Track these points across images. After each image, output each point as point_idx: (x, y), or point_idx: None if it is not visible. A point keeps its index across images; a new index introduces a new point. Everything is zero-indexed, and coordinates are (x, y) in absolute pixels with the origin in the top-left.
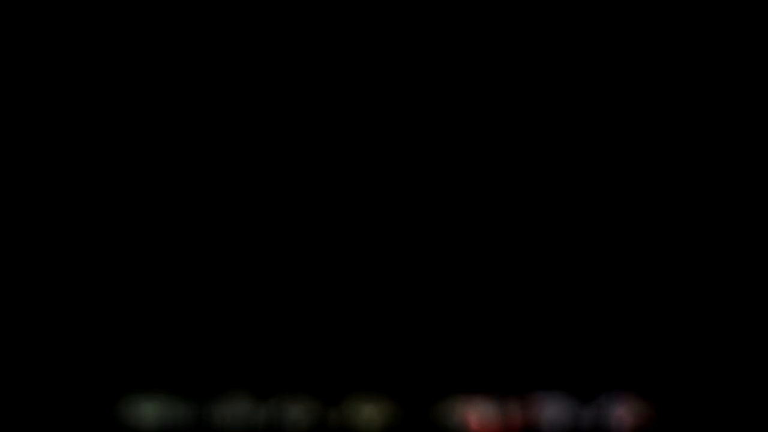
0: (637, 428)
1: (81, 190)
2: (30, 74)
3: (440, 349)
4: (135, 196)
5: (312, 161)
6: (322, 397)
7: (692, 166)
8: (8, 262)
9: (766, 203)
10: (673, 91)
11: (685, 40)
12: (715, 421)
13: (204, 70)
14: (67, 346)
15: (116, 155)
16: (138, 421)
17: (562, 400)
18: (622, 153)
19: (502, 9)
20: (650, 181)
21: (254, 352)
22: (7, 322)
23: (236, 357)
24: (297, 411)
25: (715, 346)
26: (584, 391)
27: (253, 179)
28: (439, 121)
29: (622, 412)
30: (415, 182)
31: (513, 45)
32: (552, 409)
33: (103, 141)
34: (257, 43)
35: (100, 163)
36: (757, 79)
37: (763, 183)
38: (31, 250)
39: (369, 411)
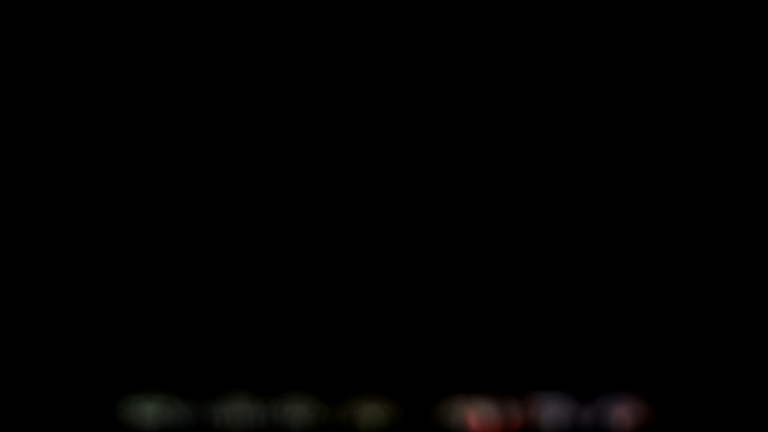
0: (637, 428)
1: (81, 189)
2: (30, 74)
3: (440, 349)
4: (135, 196)
5: (312, 161)
6: (322, 397)
7: (692, 166)
8: (8, 262)
9: (766, 203)
10: (673, 91)
11: (685, 40)
12: (715, 421)
13: (204, 70)
14: (67, 346)
15: (116, 155)
16: (138, 421)
17: (562, 400)
18: (622, 153)
19: (502, 9)
20: (650, 181)
21: (254, 352)
22: (7, 322)
23: (236, 357)
24: (297, 411)
25: (715, 346)
26: (584, 391)
27: (252, 179)
28: (439, 121)
29: (622, 412)
30: (414, 182)
31: (513, 45)
32: (552, 409)
33: (103, 141)
34: (257, 43)
35: (100, 163)
36: (757, 79)
37: (763, 183)
38: (31, 250)
39: (369, 411)
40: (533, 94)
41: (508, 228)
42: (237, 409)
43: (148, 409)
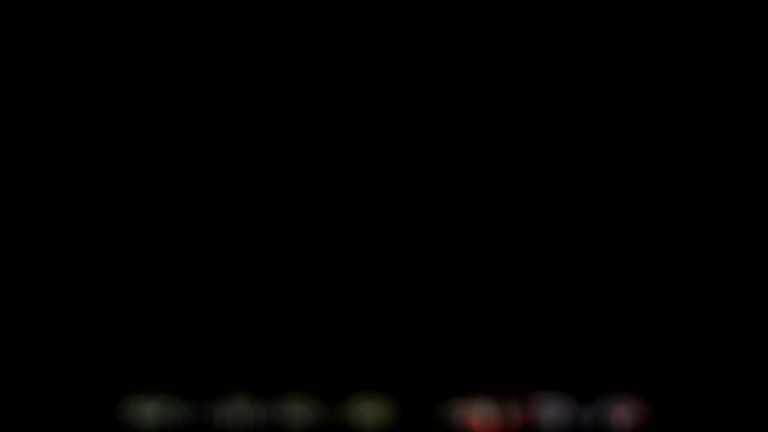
0: (637, 428)
1: (81, 189)
2: (30, 74)
3: (440, 349)
4: (134, 196)
5: (311, 161)
6: (322, 396)
7: (692, 166)
8: (8, 262)
9: (766, 203)
10: (673, 91)
11: (685, 40)
12: (715, 421)
13: (204, 70)
14: (67, 346)
15: (115, 155)
16: (138, 421)
17: (562, 400)
18: (621, 153)
19: (502, 9)
20: (650, 181)
21: (254, 352)
22: (7, 322)
23: (236, 357)
24: (297, 411)
25: (715, 346)
26: (584, 391)
27: (252, 179)
28: (438, 121)
29: (622, 412)
30: (414, 182)
31: (513, 45)
32: (552, 409)
33: (103, 141)
34: (257, 42)
35: (100, 163)
36: (757, 79)
37: (763, 183)
38: (31, 249)
39: (369, 411)
40: (533, 94)
41: (507, 228)
42: (237, 409)
43: (148, 409)
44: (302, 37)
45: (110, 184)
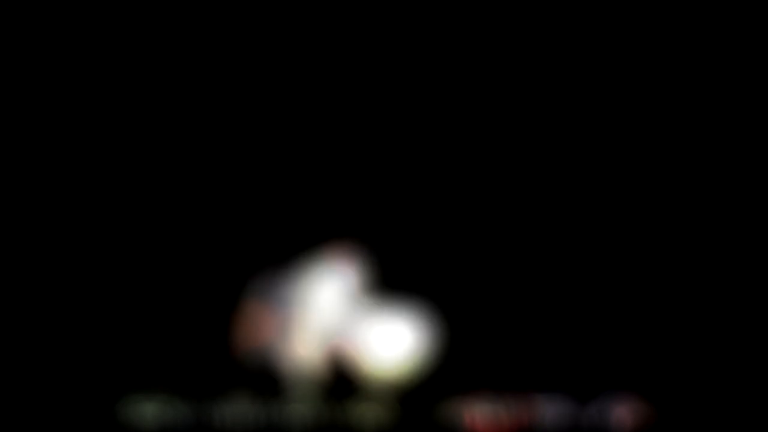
0: (637, 428)
1: (81, 189)
2: (30, 74)
3: (440, 349)
4: (134, 196)
5: (311, 160)
6: (322, 396)
7: (692, 166)
8: (8, 262)
9: (766, 203)
10: (673, 91)
11: (685, 40)
12: (715, 421)
13: (204, 70)
14: (67, 346)
15: (115, 154)
16: (138, 421)
17: (562, 400)
18: (621, 153)
19: (502, 9)
20: (650, 181)
21: (254, 352)
22: (7, 322)
23: (236, 357)
24: (297, 411)
25: (715, 346)
26: (584, 391)
27: (252, 179)
28: (439, 121)
29: (622, 412)
30: (414, 182)
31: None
32: (552, 409)
33: (103, 141)
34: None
35: (99, 163)
36: (757, 79)
37: (763, 183)
38: (31, 250)
39: (369, 411)
40: (533, 93)
41: (508, 228)
42: (237, 409)
43: (148, 409)
44: (302, 37)
45: (110, 183)
